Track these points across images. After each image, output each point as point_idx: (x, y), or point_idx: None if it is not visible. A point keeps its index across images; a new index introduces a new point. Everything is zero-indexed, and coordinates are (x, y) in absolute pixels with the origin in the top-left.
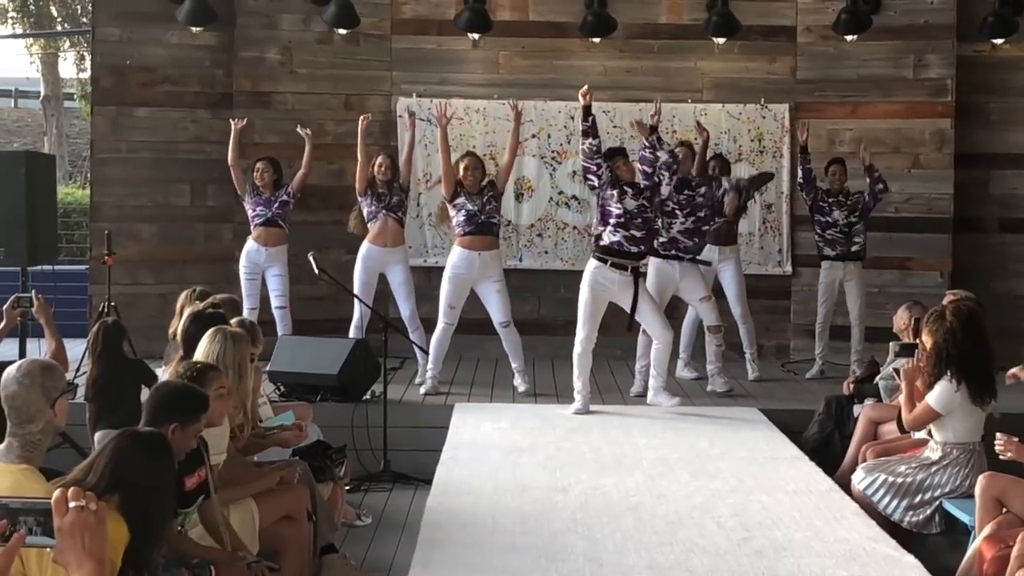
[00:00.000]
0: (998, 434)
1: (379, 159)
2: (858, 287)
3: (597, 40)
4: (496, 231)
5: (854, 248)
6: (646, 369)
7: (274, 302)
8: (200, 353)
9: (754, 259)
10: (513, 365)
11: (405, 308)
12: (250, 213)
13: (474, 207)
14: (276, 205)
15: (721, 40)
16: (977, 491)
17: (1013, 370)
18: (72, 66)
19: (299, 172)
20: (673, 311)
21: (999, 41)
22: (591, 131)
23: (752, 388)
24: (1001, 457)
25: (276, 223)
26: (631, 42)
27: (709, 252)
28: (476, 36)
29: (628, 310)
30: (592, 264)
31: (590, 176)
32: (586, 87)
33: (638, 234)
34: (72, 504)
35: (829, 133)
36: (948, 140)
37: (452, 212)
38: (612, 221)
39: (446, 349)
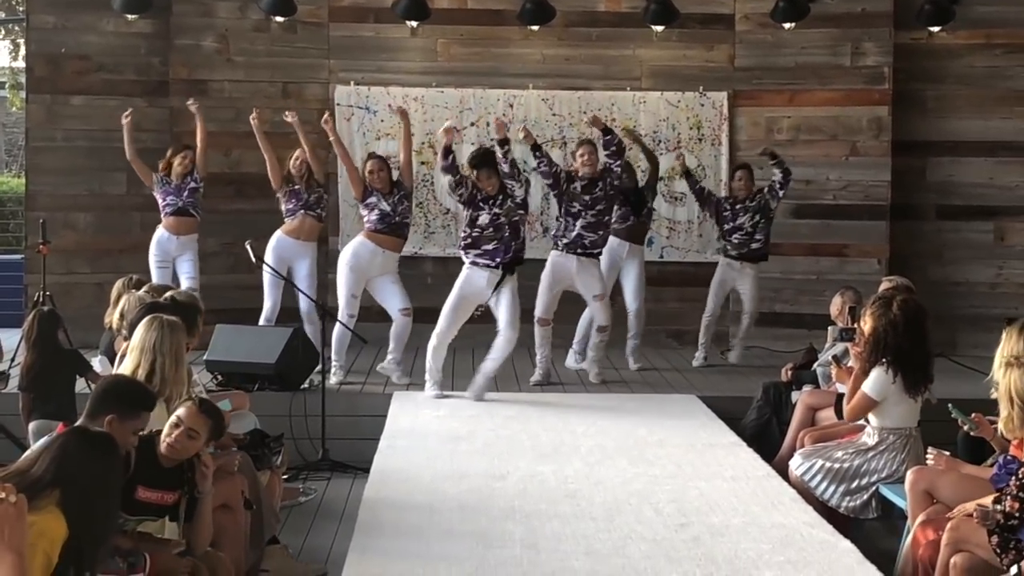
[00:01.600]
0: (930, 448)
1: (296, 153)
2: (752, 287)
3: (536, 28)
4: (406, 233)
5: (754, 246)
6: (582, 343)
7: (185, 284)
8: (136, 340)
9: (692, 246)
10: (391, 355)
11: (304, 302)
12: (160, 202)
13: (387, 206)
14: (186, 193)
15: (659, 28)
16: (907, 486)
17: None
18: (7, 55)
19: (199, 152)
20: (574, 303)
21: (935, 29)
22: (450, 169)
23: (691, 376)
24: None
25: (187, 212)
26: (570, 30)
27: (619, 247)
28: (414, 24)
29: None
30: (464, 270)
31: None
32: (448, 125)
33: (490, 247)
34: None
35: (767, 121)
36: (885, 128)
37: (364, 212)
38: (464, 242)
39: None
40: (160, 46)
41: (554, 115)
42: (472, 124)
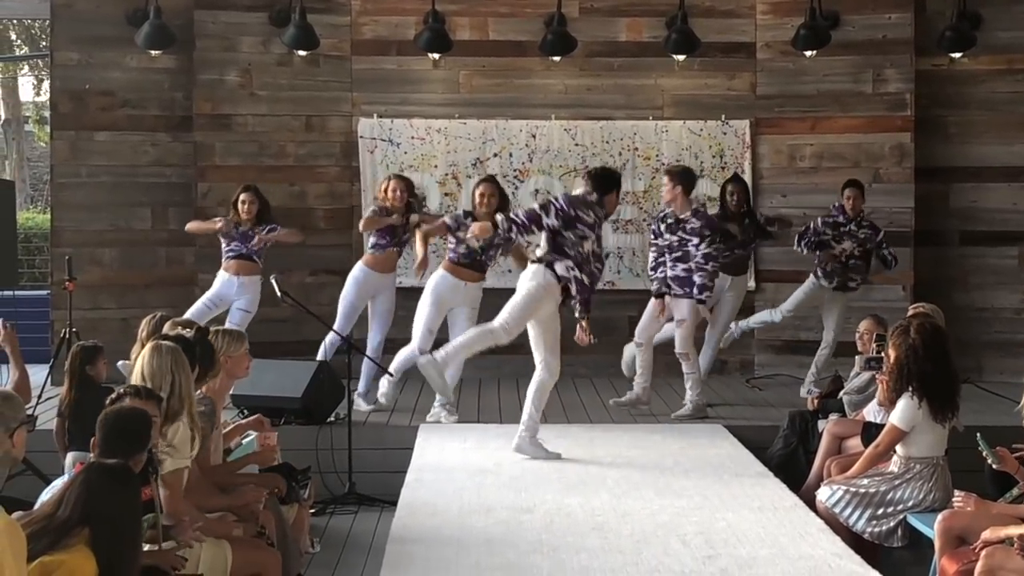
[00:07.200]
0: (956, 491)
1: (391, 183)
2: (839, 315)
3: (557, 59)
4: (485, 268)
5: (851, 284)
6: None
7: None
8: (147, 369)
9: None
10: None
11: (381, 334)
12: (223, 246)
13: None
14: (253, 242)
15: (681, 57)
16: (938, 530)
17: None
18: (30, 90)
19: (284, 233)
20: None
21: (957, 55)
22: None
23: (716, 405)
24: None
25: (250, 258)
26: (591, 60)
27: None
28: (436, 56)
29: None
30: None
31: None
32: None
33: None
34: None
35: (790, 148)
36: (908, 154)
37: (452, 240)
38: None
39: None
40: (184, 81)
41: (577, 145)
42: (495, 155)
